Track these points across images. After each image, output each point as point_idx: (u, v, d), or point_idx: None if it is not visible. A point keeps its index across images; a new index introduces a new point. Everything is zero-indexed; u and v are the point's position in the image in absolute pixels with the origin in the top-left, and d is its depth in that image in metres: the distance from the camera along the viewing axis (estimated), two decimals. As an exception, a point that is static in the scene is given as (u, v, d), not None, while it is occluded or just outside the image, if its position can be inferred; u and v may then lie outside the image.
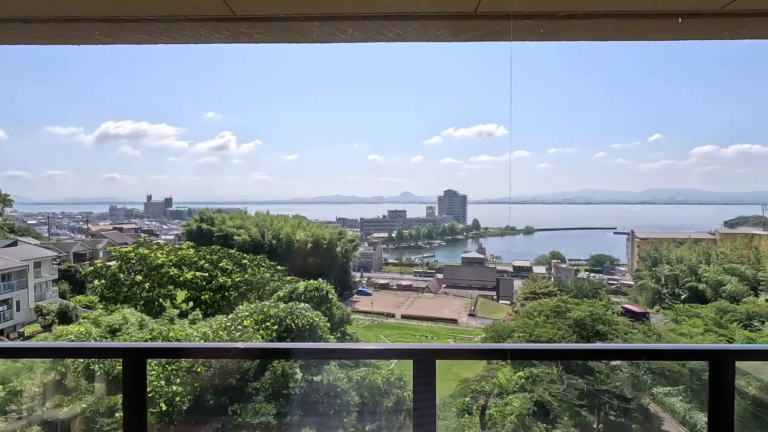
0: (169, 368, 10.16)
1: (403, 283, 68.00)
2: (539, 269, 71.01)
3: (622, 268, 76.34)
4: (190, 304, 27.71)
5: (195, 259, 30.55)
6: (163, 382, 9.81)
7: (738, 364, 1.91)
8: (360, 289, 62.98)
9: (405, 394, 12.53)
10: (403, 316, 49.75)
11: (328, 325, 16.08)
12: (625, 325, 22.12)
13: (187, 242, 38.71)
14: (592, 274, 67.80)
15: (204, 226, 58.21)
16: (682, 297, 39.01)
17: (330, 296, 21.69)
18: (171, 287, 27.41)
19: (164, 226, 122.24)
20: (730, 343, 23.30)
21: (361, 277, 71.33)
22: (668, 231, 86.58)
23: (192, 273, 28.14)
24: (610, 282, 61.68)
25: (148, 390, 1.93)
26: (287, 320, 14.26)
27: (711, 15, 1.89)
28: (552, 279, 55.55)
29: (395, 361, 15.56)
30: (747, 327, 26.94)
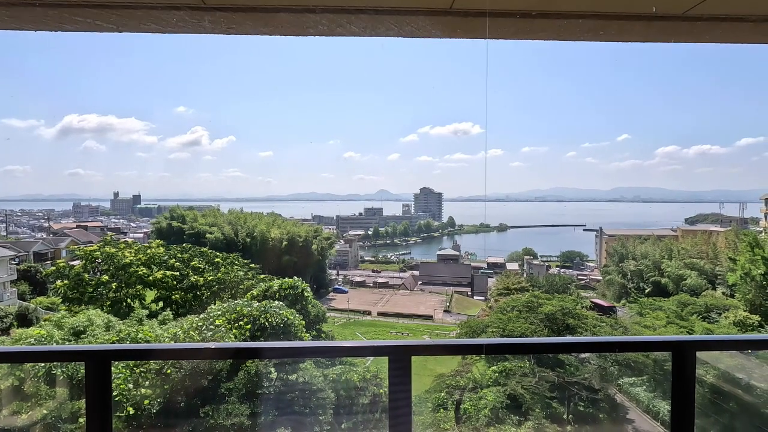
0: (138, 371, 9.83)
1: (380, 280, 68.14)
2: (512, 266, 72.60)
3: (591, 264, 78.99)
4: (160, 304, 26.89)
5: (165, 257, 29.64)
6: (130, 386, 9.48)
7: (698, 354, 1.99)
8: (336, 287, 62.74)
9: (381, 390, 12.56)
10: (380, 314, 49.88)
11: (304, 323, 15.94)
12: (593, 318, 22.89)
13: (157, 240, 37.47)
14: (562, 270, 69.83)
15: (175, 223, 56.55)
16: (647, 291, 40.71)
17: (305, 294, 21.49)
18: (140, 287, 26.51)
19: (132, 224, 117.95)
20: (691, 334, 24.49)
21: (338, 274, 71.06)
22: (634, 228, 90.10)
23: (162, 272, 27.29)
24: (579, 277, 63.74)
25: (114, 394, 1.86)
26: (261, 319, 14.05)
27: (676, 18, 1.96)
28: (524, 275, 56.92)
29: (372, 358, 15.60)
30: (705, 319, 28.39)
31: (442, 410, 15.76)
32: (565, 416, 15.98)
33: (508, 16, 1.87)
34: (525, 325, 21.29)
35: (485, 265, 76.66)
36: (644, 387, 18.79)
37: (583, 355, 17.37)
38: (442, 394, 16.26)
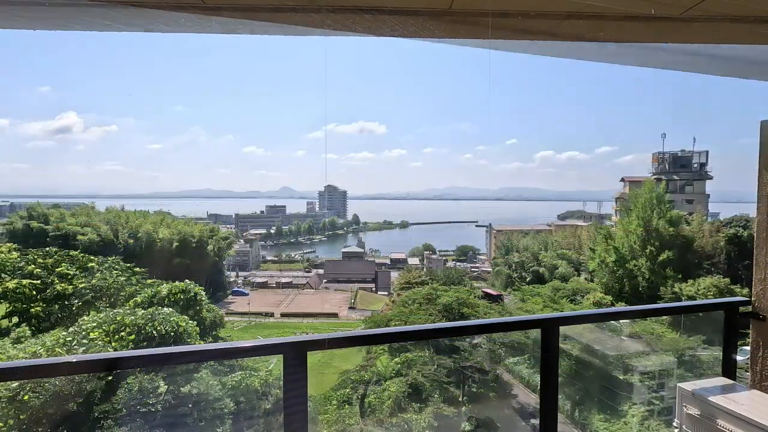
0: (-19, 401, 8.16)
1: (283, 280, 66.13)
2: (413, 260, 76.03)
3: (483, 257, 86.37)
4: (14, 319, 22.65)
5: (21, 264, 25.02)
6: (-29, 420, 7.83)
7: (563, 329, 2.30)
8: (235, 289, 59.28)
9: (284, 393, 12.20)
10: (283, 315, 48.45)
11: (198, 329, 14.78)
12: (484, 306, 25.10)
13: (9, 244, 31.42)
14: (458, 263, 75.16)
15: (34, 224, 48.03)
16: (528, 280, 45.82)
17: (199, 298, 19.92)
18: (-16, 301, 22.02)
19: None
20: (561, 315, 28.33)
21: (237, 276, 67.20)
22: (517, 224, 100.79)
23: (16, 281, 22.99)
24: (472, 269, 69.18)
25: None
26: (147, 328, 12.67)
27: (546, 33, 2.22)
28: (424, 269, 60.00)
29: (274, 360, 15.06)
30: (572, 301, 33.03)
31: (347, 406, 15.89)
32: (460, 398, 17.25)
33: (417, 14, 1.92)
34: (425, 317, 22.48)
35: (388, 261, 79.10)
36: (525, 365, 21.18)
37: (475, 340, 18.91)
38: (347, 389, 16.40)
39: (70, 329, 12.83)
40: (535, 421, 17.72)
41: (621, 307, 25.55)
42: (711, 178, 49.93)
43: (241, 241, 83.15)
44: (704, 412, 2.20)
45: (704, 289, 29.05)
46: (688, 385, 2.33)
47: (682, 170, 50.51)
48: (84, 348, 11.47)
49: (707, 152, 50.55)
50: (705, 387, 2.30)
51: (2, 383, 8.25)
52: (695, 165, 50.64)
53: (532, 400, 19.12)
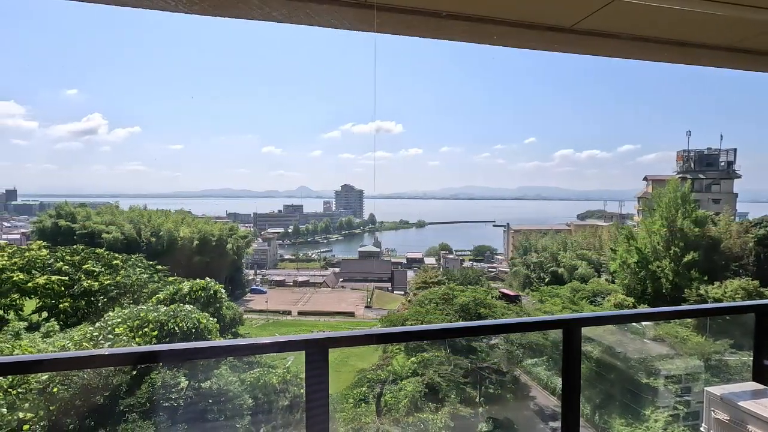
0: (14, 392, 8.49)
1: (300, 278, 66.79)
2: (430, 260, 75.77)
3: (500, 257, 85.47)
4: (44, 314, 23.45)
5: (50, 261, 25.88)
6: (4, 410, 8.15)
7: (584, 331, 2.26)
8: (254, 287, 60.15)
9: (302, 390, 12.34)
10: (300, 313, 48.90)
11: (218, 326, 15.05)
12: (501, 307, 24.83)
13: (39, 242, 32.59)
14: (475, 263, 74.55)
15: (62, 222, 49.68)
16: (546, 280, 45.14)
17: (219, 296, 20.28)
18: (16, 296, 22.83)
19: (6, 224, 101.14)
20: (581, 316, 27.80)
21: (255, 274, 68.17)
22: (535, 224, 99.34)
23: (46, 277, 23.80)
24: (489, 270, 68.55)
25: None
26: (170, 324, 12.97)
27: (565, 31, 2.19)
28: (441, 269, 59.71)
29: (292, 358, 15.24)
30: (592, 302, 32.38)
31: (363, 404, 15.95)
32: (477, 399, 17.12)
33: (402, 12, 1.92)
34: (441, 317, 22.38)
35: (405, 261, 79.02)
36: (544, 366, 20.88)
37: (493, 341, 18.73)
38: (363, 388, 16.46)
39: (97, 324, 13.23)
40: (554, 424, 17.45)
41: (645, 308, 24.93)
42: (739, 176, 48.19)
43: (260, 239, 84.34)
44: (734, 417, 2.14)
45: (732, 291, 28.08)
46: (717, 390, 2.26)
47: (709, 169, 48.86)
48: (110, 343, 11.82)
49: (735, 150, 48.79)
50: (734, 391, 2.23)
51: (33, 376, 8.58)
52: (722, 163, 48.91)
53: (551, 402, 18.84)
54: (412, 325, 22.52)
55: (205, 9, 1.78)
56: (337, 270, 72.20)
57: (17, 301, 22.89)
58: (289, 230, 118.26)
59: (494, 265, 77.22)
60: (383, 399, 15.95)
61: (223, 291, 20.53)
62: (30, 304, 23.74)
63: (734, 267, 33.77)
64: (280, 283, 64.64)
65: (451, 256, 78.66)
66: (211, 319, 14.51)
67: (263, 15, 1.83)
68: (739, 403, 2.11)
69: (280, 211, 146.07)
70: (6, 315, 21.99)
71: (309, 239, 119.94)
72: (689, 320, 19.56)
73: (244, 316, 31.28)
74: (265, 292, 57.20)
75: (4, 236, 67.42)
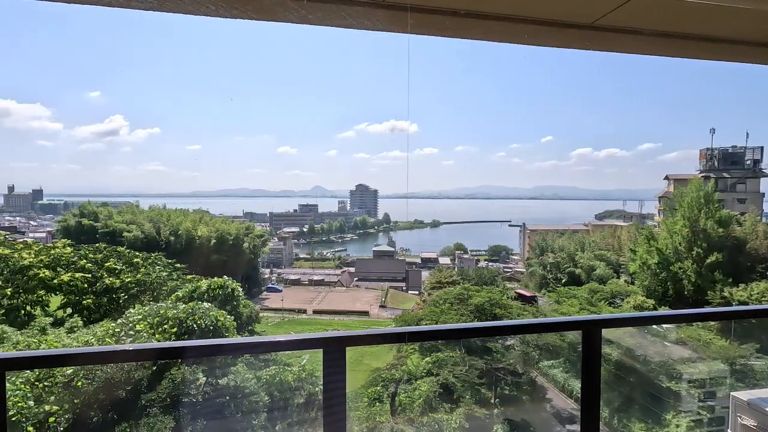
0: (40, 385, 8.77)
1: (315, 278, 67.27)
2: (444, 260, 75.39)
3: (516, 257, 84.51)
4: (68, 310, 24.20)
5: (74, 258, 26.71)
6: (31, 402, 8.43)
7: (604, 332, 2.22)
8: (270, 285, 60.85)
9: (317, 389, 12.43)
10: (315, 311, 49.27)
11: (235, 324, 15.26)
12: (517, 308, 24.57)
13: (63, 240, 33.63)
14: (490, 263, 73.86)
15: (85, 221, 51.14)
16: (563, 281, 44.47)
17: (236, 294, 20.56)
18: (42, 292, 23.62)
19: (32, 222, 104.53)
20: (599, 318, 27.28)
21: (271, 273, 68.94)
22: (552, 223, 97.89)
23: (70, 275, 24.56)
24: (505, 270, 67.84)
25: (11, 414, 1.64)
26: (188, 321, 13.21)
27: (584, 27, 2.16)
28: (456, 269, 59.38)
29: (307, 357, 15.36)
30: (611, 304, 31.74)
31: (377, 404, 15.98)
32: (492, 400, 16.98)
33: (433, 12, 1.92)
34: (456, 317, 22.28)
35: (419, 260, 78.83)
36: (560, 368, 20.58)
37: (508, 342, 18.55)
38: (378, 387, 16.49)
39: (118, 321, 13.57)
40: (571, 427, 17.18)
41: (667, 310, 24.32)
42: (766, 175, 46.58)
43: (275, 239, 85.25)
44: (761, 423, 2.07)
45: (758, 294, 27.19)
46: (743, 395, 2.20)
47: (734, 167, 47.37)
48: (131, 339, 12.12)
49: (762, 148, 47.20)
50: (762, 397, 2.16)
51: (59, 370, 8.85)
52: (748, 162, 47.36)
53: (568, 405, 18.56)
54: (426, 324, 22.48)
55: (245, 13, 1.82)
56: (351, 269, 72.47)
57: (43, 298, 23.66)
58: (305, 229, 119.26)
59: (510, 265, 76.41)
60: (398, 398, 15.96)
61: (240, 289, 20.82)
62: (55, 300, 24.52)
63: (760, 269, 32.68)
64: (296, 282, 65.24)
65: (466, 256, 78.14)
66: (228, 316, 14.73)
67: (299, 18, 1.85)
68: (767, 409, 2.05)
69: (295, 210, 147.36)
70: (33, 311, 22.76)
71: (324, 238, 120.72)
72: (713, 323, 18.99)
73: (261, 315, 31.69)
74: (280, 291, 57.81)
75: (31, 234, 69.67)
